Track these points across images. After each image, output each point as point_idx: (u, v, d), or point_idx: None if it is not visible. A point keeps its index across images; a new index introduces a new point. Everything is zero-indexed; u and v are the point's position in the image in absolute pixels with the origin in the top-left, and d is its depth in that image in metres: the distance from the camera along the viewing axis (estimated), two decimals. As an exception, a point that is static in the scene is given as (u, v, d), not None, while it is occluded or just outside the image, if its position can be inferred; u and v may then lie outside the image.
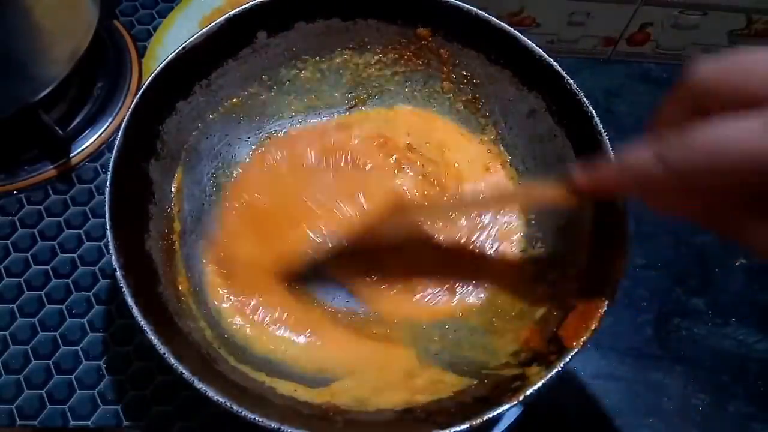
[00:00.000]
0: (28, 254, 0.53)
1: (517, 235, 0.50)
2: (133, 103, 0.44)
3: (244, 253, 0.49)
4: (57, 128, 0.54)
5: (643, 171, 0.28)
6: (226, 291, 0.47)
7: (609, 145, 0.43)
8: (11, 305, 0.51)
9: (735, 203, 0.29)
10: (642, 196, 0.31)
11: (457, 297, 0.48)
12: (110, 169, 0.42)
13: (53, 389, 0.48)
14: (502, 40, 0.49)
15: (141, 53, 0.63)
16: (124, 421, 0.47)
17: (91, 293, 0.52)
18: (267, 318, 0.47)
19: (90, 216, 0.55)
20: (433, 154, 0.54)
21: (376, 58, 0.55)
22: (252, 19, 0.49)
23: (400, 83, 0.56)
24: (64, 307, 0.51)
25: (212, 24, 0.48)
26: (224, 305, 0.47)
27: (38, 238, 0.53)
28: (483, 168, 0.53)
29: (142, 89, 0.44)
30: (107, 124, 0.58)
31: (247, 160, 0.53)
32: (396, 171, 0.53)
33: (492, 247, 0.50)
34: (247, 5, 0.48)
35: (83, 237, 0.54)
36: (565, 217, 0.47)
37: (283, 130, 0.55)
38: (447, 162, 0.54)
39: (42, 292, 0.51)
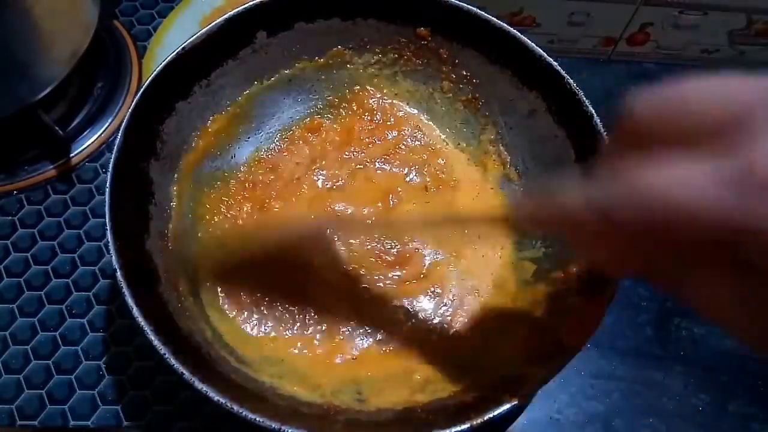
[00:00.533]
0: (28, 254, 0.53)
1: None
2: (133, 103, 0.44)
3: (244, 254, 0.49)
4: (57, 128, 0.54)
5: (573, 213, 0.26)
6: (224, 292, 0.47)
7: (609, 145, 0.43)
8: (11, 305, 0.51)
9: (667, 254, 0.25)
10: (572, 239, 0.28)
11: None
12: (110, 169, 0.42)
13: (53, 389, 0.48)
14: (501, 40, 0.49)
15: (141, 53, 0.63)
16: (124, 421, 0.47)
17: (91, 293, 0.52)
18: (266, 320, 0.47)
19: (90, 216, 0.55)
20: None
21: (376, 58, 0.54)
22: (252, 19, 0.49)
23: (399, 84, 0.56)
24: (64, 307, 0.51)
25: (212, 24, 0.48)
26: (223, 306, 0.47)
27: (38, 238, 0.53)
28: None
29: (141, 89, 0.44)
30: (107, 124, 0.58)
31: (246, 159, 0.53)
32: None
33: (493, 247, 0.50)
34: (246, 5, 0.49)
35: (83, 237, 0.54)
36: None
37: (283, 130, 0.55)
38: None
39: (42, 292, 0.51)
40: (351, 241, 0.50)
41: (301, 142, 0.54)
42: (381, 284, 0.49)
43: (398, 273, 0.49)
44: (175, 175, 0.48)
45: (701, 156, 0.22)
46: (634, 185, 0.23)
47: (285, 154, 0.54)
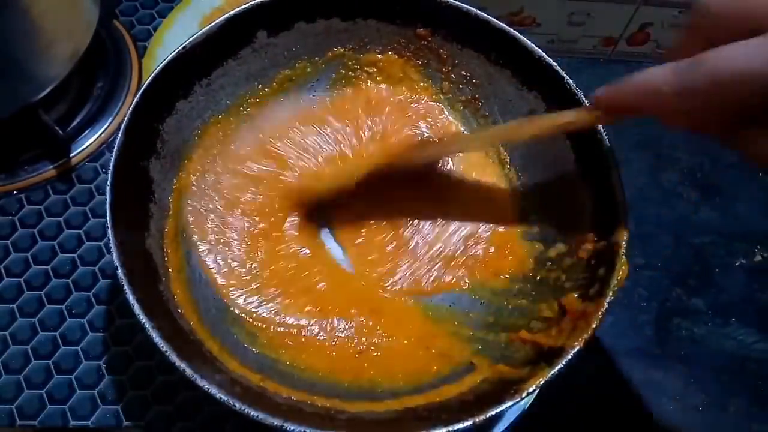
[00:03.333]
0: (28, 254, 0.53)
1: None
2: (134, 102, 0.44)
3: (243, 251, 0.49)
4: (57, 128, 0.54)
5: (655, 90, 0.31)
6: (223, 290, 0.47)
7: (609, 144, 0.44)
8: (11, 305, 0.51)
9: (735, 116, 0.30)
10: (654, 114, 0.32)
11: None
12: (111, 168, 0.42)
13: (53, 389, 0.48)
14: (501, 40, 0.49)
15: (141, 53, 0.63)
16: (124, 421, 0.47)
17: (91, 293, 0.51)
18: (264, 320, 0.47)
19: (90, 216, 0.55)
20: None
21: (376, 58, 0.55)
22: (252, 18, 0.49)
23: (400, 83, 0.56)
24: (64, 307, 0.51)
25: (212, 23, 0.48)
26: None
27: (38, 238, 0.53)
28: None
29: (142, 89, 0.44)
30: (107, 124, 0.58)
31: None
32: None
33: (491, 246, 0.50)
34: (247, 5, 0.49)
35: (83, 237, 0.54)
36: (566, 216, 0.47)
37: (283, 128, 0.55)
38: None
39: (42, 292, 0.51)
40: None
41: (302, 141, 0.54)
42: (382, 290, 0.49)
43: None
44: (176, 174, 0.48)
45: (752, 44, 0.27)
46: (709, 59, 0.28)
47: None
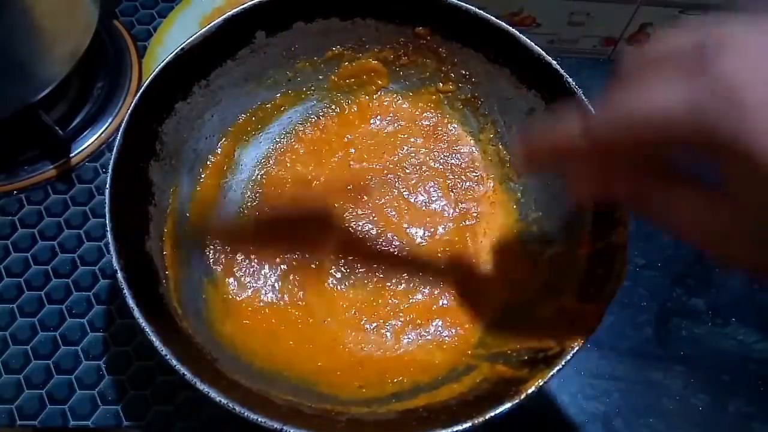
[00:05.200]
0: (28, 254, 0.53)
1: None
2: (132, 104, 0.44)
3: (243, 257, 0.49)
4: (57, 128, 0.54)
5: (569, 141, 0.30)
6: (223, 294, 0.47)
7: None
8: (11, 305, 0.51)
9: (647, 174, 0.29)
10: (567, 170, 0.32)
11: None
12: (110, 170, 0.42)
13: (53, 389, 0.48)
14: (501, 39, 0.49)
15: (141, 53, 0.63)
16: (124, 421, 0.47)
17: (91, 293, 0.52)
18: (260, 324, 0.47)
19: (90, 216, 0.55)
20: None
21: (375, 57, 0.54)
22: (250, 19, 0.49)
23: (398, 82, 0.56)
24: (64, 307, 0.51)
25: (211, 24, 0.48)
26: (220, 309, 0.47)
27: (38, 238, 0.53)
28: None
29: (141, 90, 0.44)
30: (107, 124, 0.58)
31: (247, 162, 0.53)
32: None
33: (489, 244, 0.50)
34: (245, 5, 0.48)
35: (83, 237, 0.54)
36: (565, 217, 0.47)
37: (282, 130, 0.55)
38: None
39: (42, 292, 0.51)
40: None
41: (302, 143, 0.54)
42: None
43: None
44: (175, 177, 0.48)
45: (673, 82, 0.25)
46: (618, 108, 0.27)
47: (286, 155, 0.54)
